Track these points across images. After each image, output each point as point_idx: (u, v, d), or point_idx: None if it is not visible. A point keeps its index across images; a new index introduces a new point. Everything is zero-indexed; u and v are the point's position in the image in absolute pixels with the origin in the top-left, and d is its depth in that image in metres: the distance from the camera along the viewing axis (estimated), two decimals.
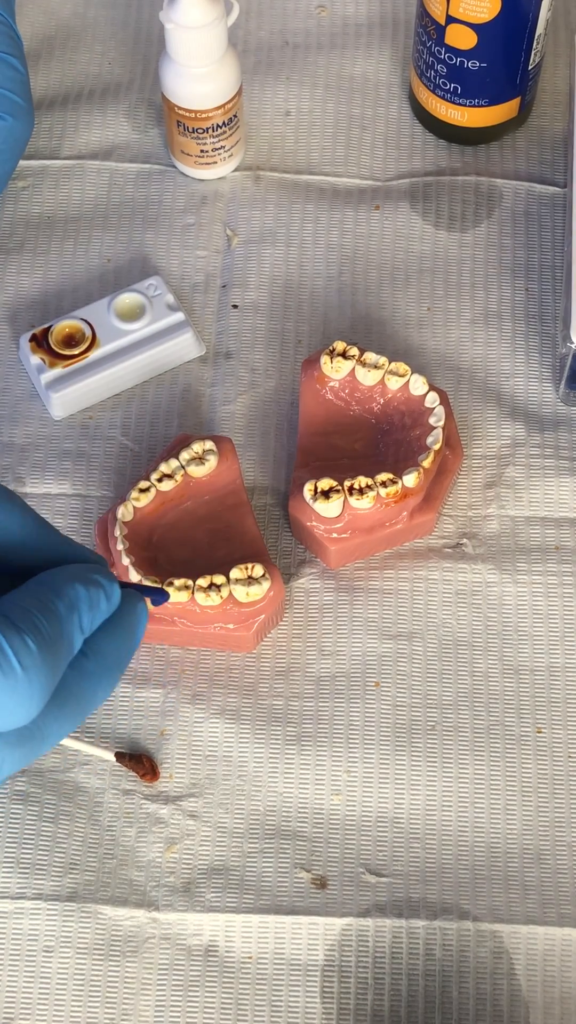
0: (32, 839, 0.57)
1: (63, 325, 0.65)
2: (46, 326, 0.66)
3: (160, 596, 0.53)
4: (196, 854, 0.57)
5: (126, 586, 0.48)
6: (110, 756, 0.58)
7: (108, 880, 0.57)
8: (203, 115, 0.68)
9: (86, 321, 0.66)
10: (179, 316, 0.66)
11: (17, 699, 0.41)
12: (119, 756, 0.58)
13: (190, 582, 0.58)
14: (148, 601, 0.50)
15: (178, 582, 0.57)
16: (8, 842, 0.57)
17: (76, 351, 0.65)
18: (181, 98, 0.68)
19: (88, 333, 0.65)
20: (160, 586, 0.55)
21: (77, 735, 0.59)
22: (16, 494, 0.47)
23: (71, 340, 0.65)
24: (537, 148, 0.73)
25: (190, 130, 0.69)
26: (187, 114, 0.68)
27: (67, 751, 0.59)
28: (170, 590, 0.57)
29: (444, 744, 0.59)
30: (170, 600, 0.57)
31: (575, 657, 0.61)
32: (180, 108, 0.68)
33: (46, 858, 0.57)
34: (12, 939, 0.56)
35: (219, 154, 0.71)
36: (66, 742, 0.58)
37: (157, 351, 0.66)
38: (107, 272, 0.69)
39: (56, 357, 0.65)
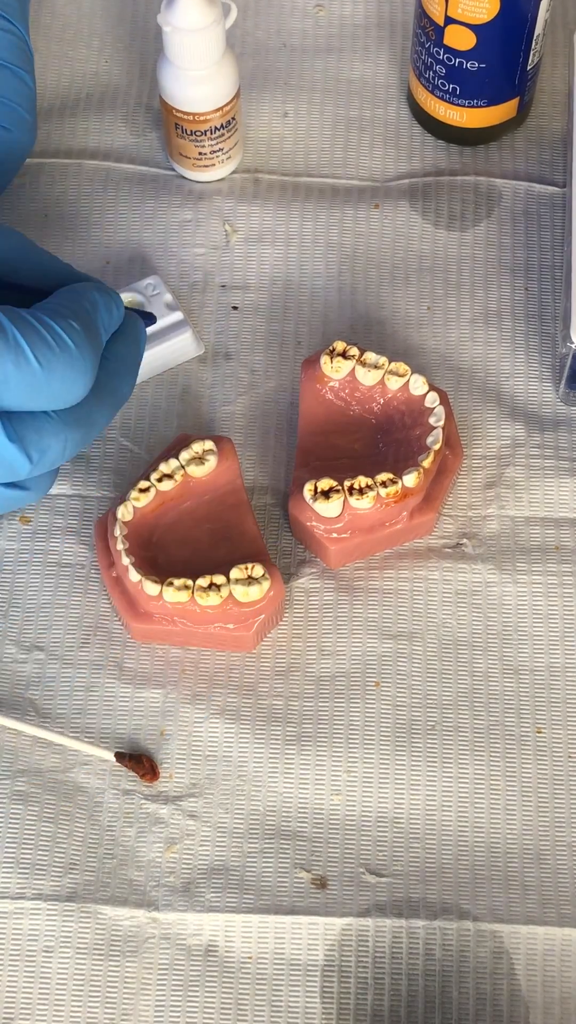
0: (32, 839, 0.57)
1: None
2: None
3: (148, 319, 0.61)
4: (196, 854, 0.57)
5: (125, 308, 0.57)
6: (110, 756, 0.58)
7: (108, 880, 0.57)
8: (201, 118, 0.68)
9: None
10: (178, 315, 0.66)
11: (76, 373, 0.50)
12: (119, 756, 0.58)
13: (190, 582, 0.58)
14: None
15: (178, 582, 0.57)
16: (8, 842, 0.57)
17: None
18: (179, 101, 0.68)
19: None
20: (148, 312, 0.63)
21: (77, 735, 0.59)
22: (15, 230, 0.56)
23: None
24: (536, 148, 0.73)
25: (188, 133, 0.69)
26: (185, 117, 0.68)
27: (67, 751, 0.59)
28: (169, 590, 0.57)
29: (444, 744, 0.59)
30: (170, 600, 0.57)
31: (575, 657, 0.61)
32: (178, 111, 0.68)
33: (46, 858, 0.57)
34: (12, 939, 0.56)
35: (217, 156, 0.71)
36: (66, 742, 0.58)
37: (156, 351, 0.66)
38: (106, 272, 0.69)
39: None
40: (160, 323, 0.66)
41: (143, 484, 0.60)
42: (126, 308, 0.57)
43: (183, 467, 0.61)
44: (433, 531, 0.63)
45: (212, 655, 0.61)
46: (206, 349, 0.68)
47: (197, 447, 0.61)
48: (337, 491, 0.59)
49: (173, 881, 0.57)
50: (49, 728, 0.59)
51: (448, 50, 0.68)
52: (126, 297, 0.66)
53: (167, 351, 0.66)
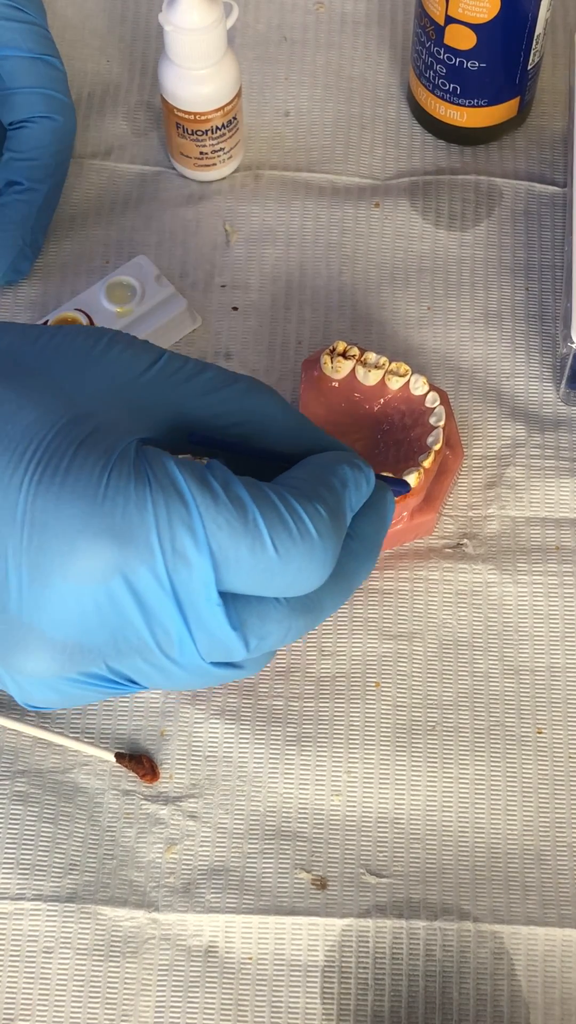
0: (32, 840, 0.57)
1: (60, 317, 0.66)
2: (42, 320, 0.66)
3: (402, 487, 0.55)
4: (196, 855, 0.57)
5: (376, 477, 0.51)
6: (110, 756, 0.58)
7: (108, 881, 0.57)
8: (202, 117, 0.68)
9: (82, 311, 0.66)
10: (170, 290, 0.67)
11: (315, 564, 0.45)
12: (119, 756, 0.58)
13: None
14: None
15: None
16: (8, 843, 0.57)
17: None
18: (180, 100, 0.68)
19: (85, 322, 0.66)
20: (401, 477, 0.56)
21: (77, 735, 0.59)
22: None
23: None
24: (537, 148, 0.73)
25: (189, 132, 0.69)
26: (186, 116, 0.68)
27: (67, 751, 0.59)
28: None
29: (444, 744, 0.59)
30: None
31: (575, 657, 0.61)
32: (179, 110, 0.68)
33: (46, 859, 0.57)
34: (12, 940, 0.56)
35: (218, 156, 0.71)
36: (66, 742, 0.58)
37: (155, 328, 0.66)
38: (106, 272, 0.69)
39: None
40: (154, 300, 0.66)
41: None
42: (377, 478, 0.51)
43: None
44: (433, 531, 0.63)
45: None
46: (206, 349, 0.68)
47: None
48: None
49: (173, 882, 0.57)
50: (49, 728, 0.59)
51: (448, 50, 0.68)
52: (119, 281, 0.66)
53: (166, 327, 0.66)
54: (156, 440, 0.47)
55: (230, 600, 0.45)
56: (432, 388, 0.62)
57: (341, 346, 0.62)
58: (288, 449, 0.49)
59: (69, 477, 0.44)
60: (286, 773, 0.59)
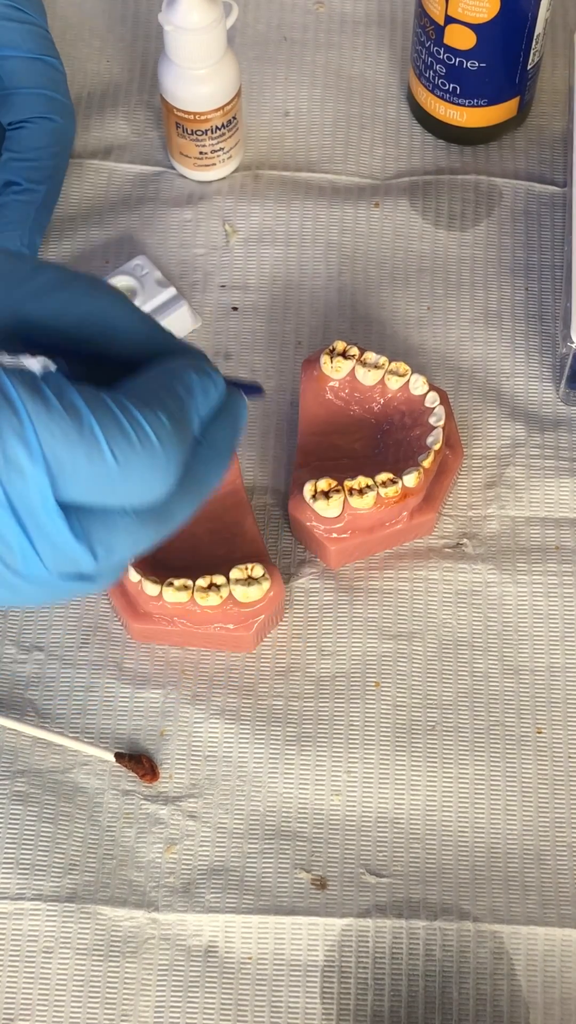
0: (32, 839, 0.57)
1: None
2: None
3: (256, 391, 0.53)
4: (196, 855, 0.57)
5: (225, 380, 0.50)
6: (110, 756, 0.58)
7: (108, 881, 0.57)
8: (202, 117, 0.68)
9: None
10: (171, 291, 0.67)
11: (158, 473, 0.44)
12: (119, 756, 0.58)
13: (190, 582, 0.58)
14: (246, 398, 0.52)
15: (178, 582, 0.57)
16: (8, 842, 0.57)
17: None
18: (180, 100, 0.68)
19: None
20: (255, 383, 0.55)
21: (77, 735, 0.59)
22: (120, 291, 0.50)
23: None
24: (536, 148, 0.73)
25: (189, 132, 0.69)
26: (186, 116, 0.68)
27: (67, 751, 0.59)
28: (169, 590, 0.57)
29: (444, 744, 0.59)
30: (170, 601, 0.57)
31: (575, 657, 0.61)
32: (179, 110, 0.68)
33: (46, 859, 0.57)
34: (12, 940, 0.56)
35: (218, 156, 0.71)
36: (66, 742, 0.58)
37: None
38: (105, 271, 0.69)
39: None
40: (156, 301, 0.66)
41: None
42: (228, 383, 0.50)
43: None
44: (433, 531, 0.63)
45: (212, 655, 0.61)
46: (206, 349, 0.68)
47: None
48: (337, 491, 0.59)
49: (173, 882, 0.57)
50: (49, 728, 0.59)
51: (448, 49, 0.68)
52: (119, 282, 0.66)
53: (166, 326, 0.66)
54: None
55: (73, 510, 0.44)
56: (432, 388, 0.62)
57: (341, 346, 0.62)
58: (135, 354, 0.48)
59: None
60: (286, 773, 0.59)
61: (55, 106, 0.66)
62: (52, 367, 0.46)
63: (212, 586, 0.58)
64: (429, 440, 0.61)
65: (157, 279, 0.67)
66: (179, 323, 0.67)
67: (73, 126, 0.68)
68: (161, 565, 0.60)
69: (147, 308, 0.66)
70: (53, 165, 0.67)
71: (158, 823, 0.58)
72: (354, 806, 0.58)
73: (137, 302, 0.66)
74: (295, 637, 0.61)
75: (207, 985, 0.55)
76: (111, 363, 0.48)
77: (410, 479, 0.59)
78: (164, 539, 0.47)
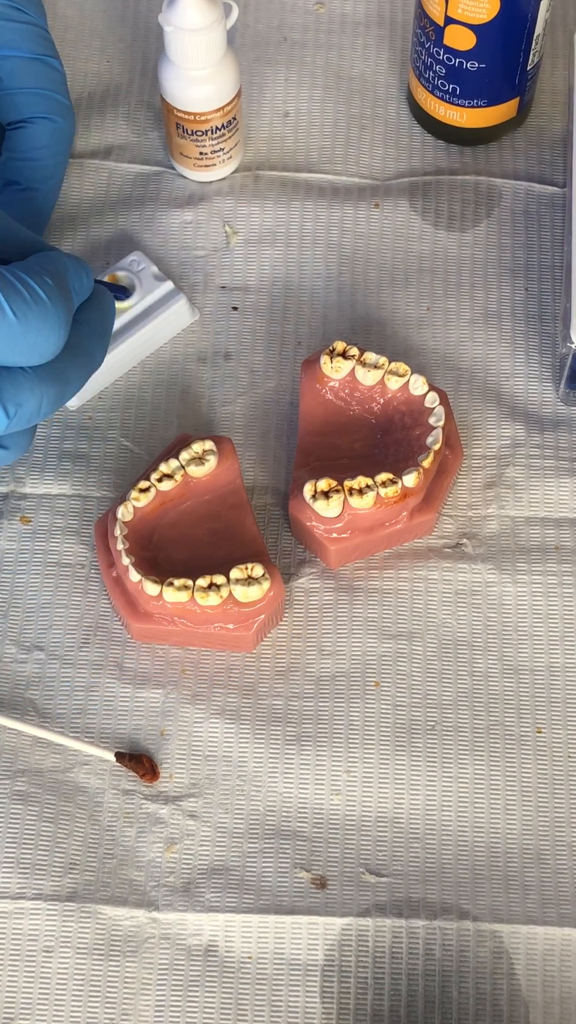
0: (32, 839, 0.57)
1: None
2: None
3: (121, 293, 0.64)
4: (196, 854, 0.57)
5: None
6: (110, 756, 0.58)
7: (108, 880, 0.57)
8: (202, 117, 0.68)
9: None
10: (168, 285, 0.67)
11: (50, 325, 0.52)
12: (119, 756, 0.58)
13: (190, 582, 0.58)
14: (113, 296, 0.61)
15: (178, 582, 0.57)
16: (8, 842, 0.57)
17: None
18: (180, 101, 0.68)
19: None
20: (121, 286, 0.65)
21: (77, 735, 0.59)
22: None
23: None
24: (536, 148, 0.73)
25: (189, 132, 0.69)
26: (186, 116, 0.68)
27: (67, 751, 0.59)
28: (169, 590, 0.57)
29: (444, 744, 0.59)
30: (170, 600, 0.58)
31: (575, 657, 0.61)
32: (179, 111, 0.68)
33: (46, 858, 0.57)
34: (12, 939, 0.56)
35: (218, 156, 0.71)
36: (66, 742, 0.58)
37: (155, 323, 0.66)
38: (105, 272, 0.69)
39: None
40: (154, 296, 0.66)
41: (143, 484, 0.60)
42: (96, 281, 0.59)
43: (183, 467, 0.61)
44: (433, 531, 0.63)
45: (212, 655, 0.61)
46: (206, 349, 0.68)
47: (197, 447, 0.61)
48: (337, 491, 0.59)
49: (173, 881, 0.57)
50: (49, 728, 0.59)
51: (448, 50, 0.68)
52: (116, 277, 0.67)
53: (165, 322, 0.67)
54: None
55: None
56: (432, 388, 0.62)
57: (341, 346, 0.63)
58: (13, 256, 0.56)
59: None
60: (286, 773, 0.59)
61: (55, 106, 0.66)
62: None
63: (212, 586, 0.58)
64: (429, 440, 0.61)
65: (154, 273, 0.67)
66: (177, 315, 0.67)
67: (73, 126, 0.68)
68: (161, 565, 0.60)
69: (145, 303, 0.66)
70: (52, 165, 0.67)
71: (158, 823, 0.58)
72: (354, 806, 0.58)
73: (135, 297, 0.66)
74: (295, 637, 0.61)
75: (207, 984, 0.55)
76: None
77: (410, 479, 0.59)
78: (61, 402, 0.55)
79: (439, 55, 0.68)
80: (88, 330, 0.57)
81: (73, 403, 0.66)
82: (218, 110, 0.68)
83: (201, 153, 0.70)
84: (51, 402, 0.55)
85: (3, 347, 0.52)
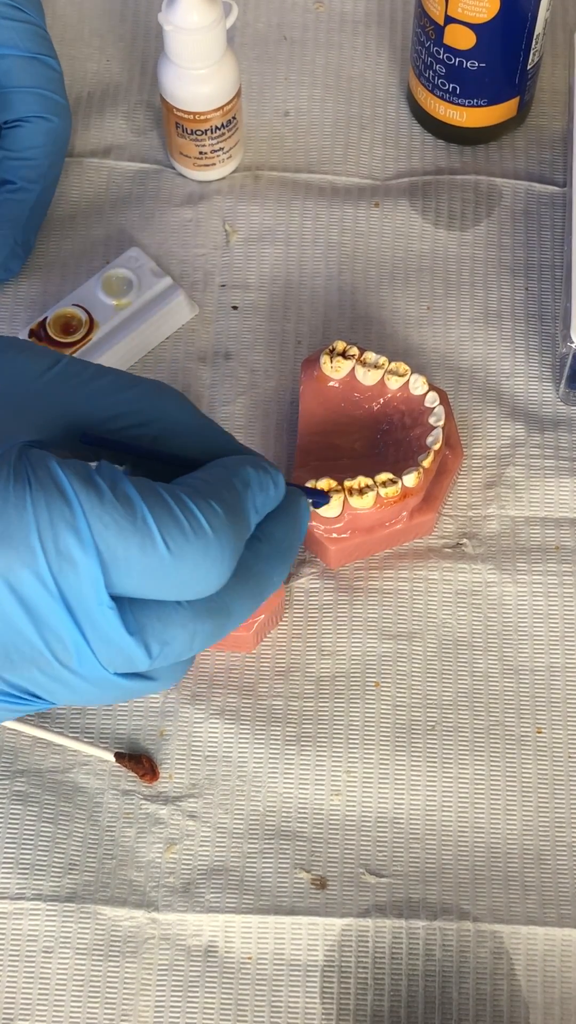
0: (32, 839, 0.57)
1: (58, 313, 0.66)
2: (42, 318, 0.66)
3: (321, 498, 0.54)
4: (196, 854, 0.57)
5: (288, 484, 0.50)
6: (110, 756, 0.58)
7: (108, 880, 0.57)
8: (202, 117, 0.68)
9: (79, 306, 0.66)
10: (167, 281, 0.67)
11: (211, 562, 0.43)
12: (119, 756, 0.58)
13: None
14: (309, 503, 0.52)
15: None
16: (8, 842, 0.57)
17: (77, 336, 0.65)
18: (180, 100, 0.68)
19: (84, 317, 0.66)
20: (320, 490, 0.56)
21: (76, 735, 0.59)
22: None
23: (69, 327, 0.66)
24: (536, 147, 0.73)
25: (189, 132, 0.69)
26: (186, 116, 0.68)
27: (67, 751, 0.59)
28: None
29: (444, 744, 0.59)
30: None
31: (575, 657, 0.61)
32: (179, 110, 0.68)
33: (46, 858, 0.57)
34: (12, 939, 0.56)
35: (218, 156, 0.71)
36: (66, 742, 0.58)
37: (155, 319, 0.66)
38: (103, 269, 0.69)
39: (59, 346, 0.65)
40: (152, 291, 0.66)
41: None
42: (289, 485, 0.50)
43: None
44: (433, 531, 0.63)
45: (212, 655, 0.61)
46: (206, 348, 0.68)
47: None
48: (337, 491, 0.59)
49: (173, 881, 0.57)
50: (49, 728, 0.59)
51: (448, 49, 0.68)
52: (114, 273, 0.67)
53: (165, 317, 0.67)
54: (47, 443, 0.46)
55: (127, 604, 0.43)
56: (432, 388, 0.62)
57: (341, 346, 0.62)
58: (194, 454, 0.48)
59: None
60: (286, 773, 0.59)
61: (51, 106, 0.66)
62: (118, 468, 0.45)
63: None
64: (429, 440, 0.61)
65: (152, 269, 0.67)
66: (177, 311, 0.67)
67: (69, 126, 0.68)
68: None
69: (143, 298, 0.66)
70: (48, 164, 0.67)
71: (158, 823, 0.58)
72: (354, 806, 0.58)
73: (133, 293, 0.66)
74: (295, 637, 0.61)
75: (207, 985, 0.55)
76: (172, 463, 0.48)
77: (410, 479, 0.59)
78: (220, 638, 0.46)
79: (439, 54, 0.68)
80: (269, 550, 0.48)
81: None
82: (218, 109, 0.68)
83: (201, 152, 0.70)
84: (207, 637, 0.45)
85: (152, 582, 0.43)
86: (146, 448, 0.47)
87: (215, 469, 0.46)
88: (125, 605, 0.43)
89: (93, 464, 0.44)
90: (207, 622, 0.45)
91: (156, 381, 0.49)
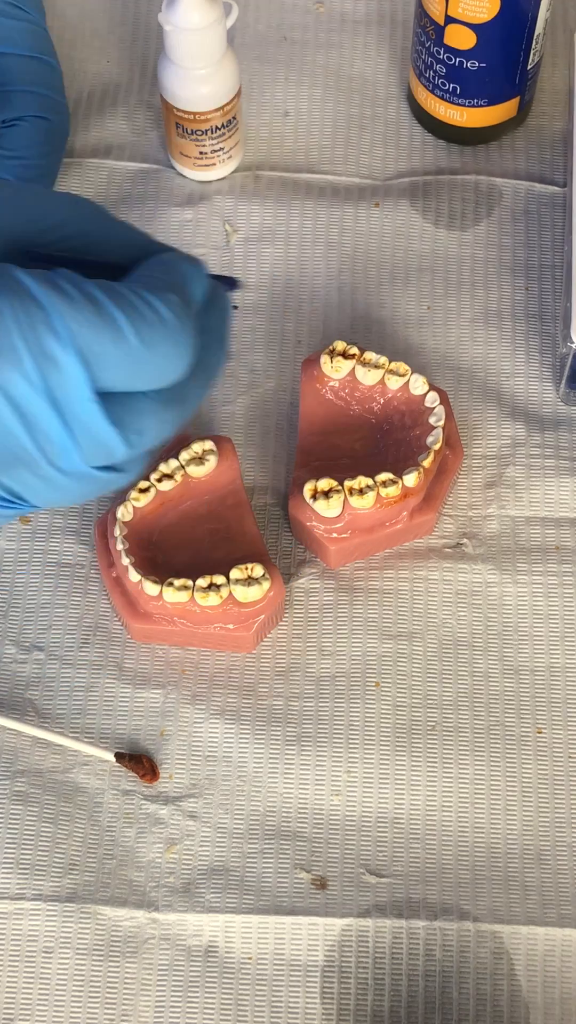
0: (32, 839, 0.57)
1: None
2: None
3: (231, 284, 0.55)
4: (196, 854, 0.57)
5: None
6: (110, 756, 0.58)
7: (108, 881, 0.57)
8: (202, 117, 0.68)
9: None
10: None
11: (177, 347, 0.46)
12: (119, 756, 0.58)
13: (190, 582, 0.58)
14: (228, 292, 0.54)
15: (178, 582, 0.57)
16: (8, 842, 0.57)
17: None
18: (180, 100, 0.68)
19: None
20: (229, 276, 0.56)
21: (77, 735, 0.59)
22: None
23: None
24: (536, 147, 0.73)
25: (189, 132, 0.69)
26: (186, 116, 0.68)
27: (67, 751, 0.59)
28: (169, 590, 0.57)
29: (444, 744, 0.59)
30: (170, 601, 0.57)
31: (575, 657, 0.61)
32: (179, 110, 0.68)
33: (46, 859, 0.57)
34: (12, 940, 0.56)
35: (218, 156, 0.71)
36: (66, 742, 0.58)
37: None
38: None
39: None
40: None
41: (143, 484, 0.60)
42: (208, 276, 0.52)
43: (183, 467, 0.61)
44: (433, 531, 0.63)
45: (212, 655, 0.61)
46: None
47: (197, 447, 0.61)
48: (337, 491, 0.59)
49: (173, 882, 0.57)
50: (49, 728, 0.59)
51: (448, 49, 0.68)
52: None
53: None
54: None
55: (104, 399, 0.46)
56: (432, 388, 0.62)
57: (341, 346, 0.62)
58: (122, 259, 0.51)
59: None
60: (286, 773, 0.59)
61: (50, 105, 0.66)
62: None
63: (212, 586, 0.58)
64: (429, 440, 0.61)
65: None
66: None
67: (67, 125, 0.68)
68: (161, 565, 0.60)
69: None
70: (46, 163, 0.67)
71: (158, 823, 0.58)
72: (354, 806, 0.58)
73: None
74: (295, 637, 0.61)
75: (207, 985, 0.55)
76: (103, 271, 0.50)
77: (410, 479, 0.59)
78: (183, 423, 0.49)
79: (439, 54, 0.68)
80: (207, 339, 0.51)
81: None
82: (218, 109, 0.68)
83: (201, 152, 0.70)
84: (171, 425, 0.49)
85: (128, 374, 0.46)
86: (80, 259, 0.50)
87: (155, 265, 0.49)
88: (102, 399, 0.46)
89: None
90: (172, 410, 0.49)
91: (68, 192, 0.51)
